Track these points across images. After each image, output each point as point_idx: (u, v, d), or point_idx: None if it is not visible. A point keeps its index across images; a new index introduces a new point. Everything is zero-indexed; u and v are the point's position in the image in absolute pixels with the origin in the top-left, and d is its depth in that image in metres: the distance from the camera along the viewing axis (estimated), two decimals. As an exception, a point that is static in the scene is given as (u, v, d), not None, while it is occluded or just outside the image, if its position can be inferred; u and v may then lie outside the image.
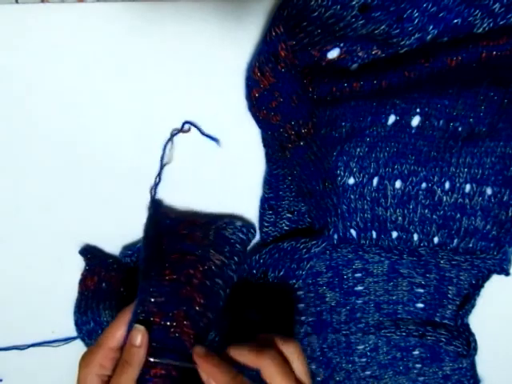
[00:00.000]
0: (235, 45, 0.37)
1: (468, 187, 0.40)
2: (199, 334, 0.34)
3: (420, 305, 0.44)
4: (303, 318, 0.45)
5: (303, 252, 0.39)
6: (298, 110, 0.36)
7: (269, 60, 0.34)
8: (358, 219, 0.40)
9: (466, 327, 0.44)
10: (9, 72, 0.36)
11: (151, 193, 0.40)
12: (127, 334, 0.31)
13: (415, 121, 0.39)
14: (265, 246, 0.41)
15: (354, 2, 0.32)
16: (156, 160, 0.40)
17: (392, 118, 0.39)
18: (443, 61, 0.35)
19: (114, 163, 0.40)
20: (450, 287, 0.43)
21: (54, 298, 0.43)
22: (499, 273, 0.41)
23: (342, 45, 0.36)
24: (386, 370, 0.47)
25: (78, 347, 0.41)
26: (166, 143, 0.39)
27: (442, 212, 0.40)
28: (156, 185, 0.40)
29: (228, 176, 0.41)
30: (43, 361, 0.44)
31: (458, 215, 0.40)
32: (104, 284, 0.39)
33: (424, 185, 0.40)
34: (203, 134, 0.39)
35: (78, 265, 0.41)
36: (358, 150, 0.39)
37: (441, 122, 0.39)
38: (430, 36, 0.36)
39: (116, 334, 0.32)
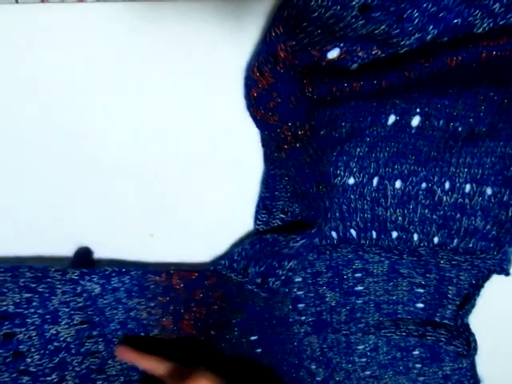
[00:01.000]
0: (235, 45, 0.37)
1: (468, 187, 0.41)
2: None
3: (420, 305, 0.45)
4: (303, 318, 0.45)
5: (282, 245, 0.39)
6: (295, 112, 0.36)
7: (268, 60, 0.34)
8: (358, 219, 0.41)
9: (466, 327, 0.45)
10: (9, 72, 0.37)
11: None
12: None
13: (415, 121, 0.39)
14: (248, 239, 0.41)
15: (354, 3, 0.32)
16: (155, 160, 0.40)
17: (392, 118, 0.39)
18: (443, 61, 0.35)
19: (113, 163, 0.40)
20: (450, 287, 0.43)
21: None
22: (499, 273, 0.41)
23: (341, 45, 0.36)
24: (386, 370, 0.47)
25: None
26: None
27: (442, 212, 0.41)
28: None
29: (228, 176, 0.41)
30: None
31: (458, 215, 0.41)
32: None
33: (424, 185, 0.40)
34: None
35: (78, 265, 0.42)
36: (358, 149, 0.39)
37: (441, 122, 0.39)
38: (430, 36, 0.36)
39: None
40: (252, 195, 0.42)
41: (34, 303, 0.40)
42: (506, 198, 0.41)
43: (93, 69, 0.37)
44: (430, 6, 0.35)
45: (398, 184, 0.40)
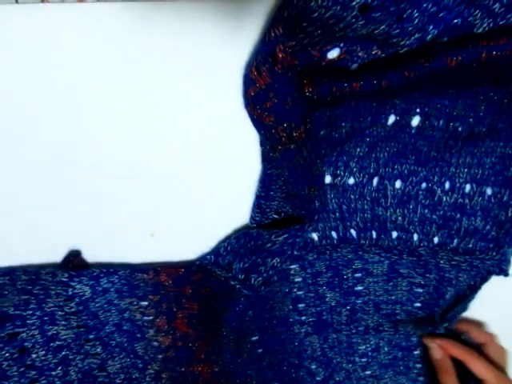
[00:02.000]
0: (235, 45, 0.37)
1: (468, 187, 0.41)
2: None
3: (418, 304, 0.45)
4: (303, 318, 0.45)
5: (265, 240, 0.39)
6: (291, 113, 0.36)
7: (266, 60, 0.35)
8: (358, 219, 0.41)
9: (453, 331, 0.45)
10: (9, 72, 0.37)
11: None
12: None
13: (415, 121, 0.40)
14: (235, 232, 0.42)
15: (354, 3, 0.32)
16: (155, 159, 0.40)
17: (392, 118, 0.39)
18: (443, 61, 0.36)
19: (112, 162, 0.40)
20: (448, 288, 0.44)
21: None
22: (498, 274, 0.42)
23: (341, 45, 0.37)
24: (387, 369, 0.47)
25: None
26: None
27: (441, 212, 0.41)
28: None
29: (228, 176, 0.41)
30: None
31: (458, 215, 0.41)
32: None
33: (424, 185, 0.41)
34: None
35: (78, 265, 0.42)
36: (358, 149, 0.40)
37: (441, 121, 0.40)
38: (430, 36, 0.36)
39: None
40: (252, 195, 0.42)
41: (32, 305, 0.41)
42: (505, 198, 0.41)
43: (93, 68, 0.37)
44: (429, 5, 0.35)
45: (397, 184, 0.40)
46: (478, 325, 0.46)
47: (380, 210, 0.41)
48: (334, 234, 0.42)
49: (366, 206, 0.41)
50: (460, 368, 0.43)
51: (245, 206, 0.42)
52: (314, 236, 0.43)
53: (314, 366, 0.46)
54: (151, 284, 0.42)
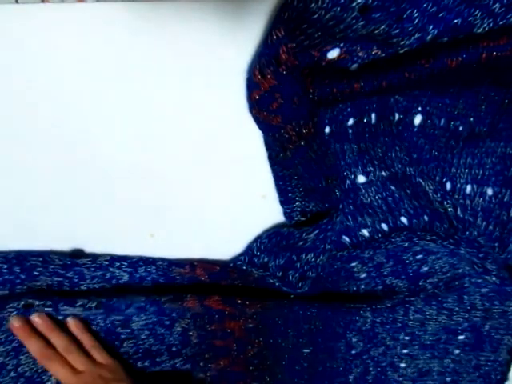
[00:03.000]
0: (235, 45, 0.37)
1: (469, 188, 0.41)
2: None
3: (487, 276, 0.43)
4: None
5: (297, 238, 0.40)
6: (298, 111, 0.37)
7: (270, 63, 0.35)
8: (407, 206, 0.42)
9: None
10: (9, 72, 0.37)
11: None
12: None
13: (417, 119, 0.40)
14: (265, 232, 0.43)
15: (354, 4, 0.33)
16: (156, 160, 0.41)
17: (396, 116, 0.40)
18: (443, 61, 0.36)
19: (113, 162, 0.41)
20: None
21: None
22: None
23: (341, 45, 0.37)
24: (425, 351, 0.47)
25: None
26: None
27: None
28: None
29: (228, 176, 0.42)
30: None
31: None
32: None
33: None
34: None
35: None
36: (363, 146, 0.40)
37: (442, 120, 0.40)
38: (430, 36, 0.37)
39: None
40: (252, 195, 0.43)
41: (65, 287, 0.42)
42: (506, 198, 0.42)
43: (93, 68, 0.38)
44: (429, 5, 0.35)
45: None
46: None
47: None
48: (384, 226, 0.43)
49: (409, 192, 0.41)
50: None
51: (245, 205, 0.43)
52: (365, 232, 0.43)
53: (355, 339, 0.46)
54: (187, 278, 0.43)
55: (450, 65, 0.36)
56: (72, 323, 0.40)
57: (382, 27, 0.35)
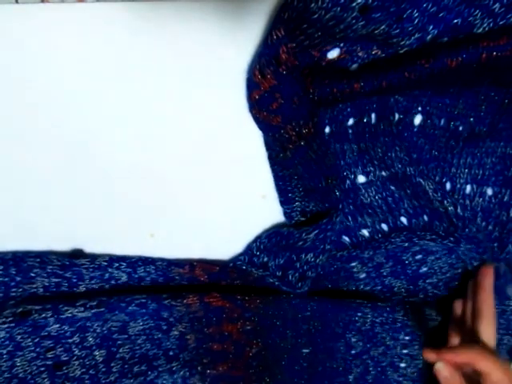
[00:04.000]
0: (235, 45, 0.38)
1: (468, 188, 0.42)
2: None
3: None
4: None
5: (296, 238, 0.40)
6: (298, 111, 0.37)
7: (270, 63, 0.35)
8: (406, 206, 0.42)
9: None
10: (9, 72, 0.37)
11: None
12: None
13: (417, 119, 0.40)
14: (265, 231, 0.43)
15: (354, 4, 0.33)
16: (156, 160, 0.41)
17: (396, 116, 0.40)
18: (443, 62, 0.36)
19: (112, 162, 0.41)
20: None
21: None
22: None
23: (341, 45, 0.38)
24: None
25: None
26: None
27: None
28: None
29: (228, 176, 0.42)
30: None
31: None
32: None
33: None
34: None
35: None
36: (363, 146, 0.41)
37: (442, 120, 0.41)
38: (430, 36, 0.37)
39: None
40: (252, 195, 0.43)
41: (63, 288, 0.42)
42: (506, 198, 0.42)
43: (93, 68, 0.38)
44: (429, 6, 0.36)
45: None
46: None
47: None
48: (384, 226, 0.43)
49: (409, 192, 0.41)
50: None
51: (245, 205, 0.43)
52: (365, 232, 0.44)
53: (354, 339, 0.46)
54: (186, 278, 0.43)
55: (450, 65, 0.36)
56: None
57: (382, 27, 0.36)
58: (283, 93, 0.37)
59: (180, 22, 0.37)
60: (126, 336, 0.43)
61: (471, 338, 0.39)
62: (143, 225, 0.43)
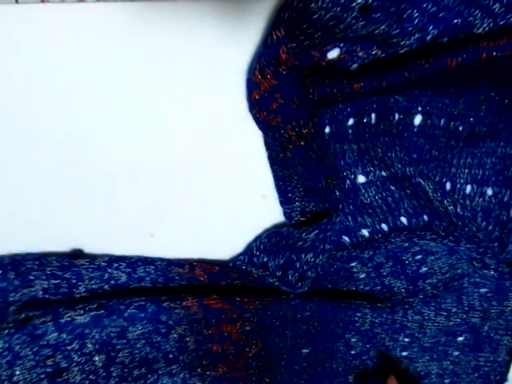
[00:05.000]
0: (235, 45, 0.38)
1: (468, 188, 0.42)
2: None
3: (491, 272, 0.43)
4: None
5: (296, 238, 0.40)
6: (298, 111, 0.37)
7: (270, 63, 0.35)
8: (406, 206, 0.42)
9: None
10: (9, 72, 0.37)
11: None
12: None
13: (417, 119, 0.41)
14: (265, 231, 0.43)
15: (354, 4, 0.33)
16: (155, 159, 0.41)
17: (396, 116, 0.40)
18: (443, 62, 0.37)
19: (112, 162, 0.41)
20: None
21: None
22: None
23: (341, 45, 0.38)
24: (424, 353, 0.47)
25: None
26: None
27: None
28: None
29: (228, 176, 0.42)
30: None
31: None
32: None
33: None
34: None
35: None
36: (363, 146, 0.41)
37: (442, 120, 0.41)
38: (430, 36, 0.37)
39: None
40: (252, 195, 0.43)
41: (62, 289, 0.42)
42: (506, 198, 0.42)
43: (92, 68, 0.38)
44: (429, 6, 0.36)
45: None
46: None
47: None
48: (384, 226, 0.43)
49: (409, 192, 0.42)
50: None
51: (244, 205, 0.43)
52: (365, 232, 0.44)
53: (354, 339, 0.46)
54: (186, 278, 0.43)
55: (450, 65, 0.37)
56: None
57: (382, 27, 0.36)
58: (283, 93, 0.37)
59: (180, 22, 0.37)
60: (125, 341, 0.43)
61: None
62: (143, 225, 0.43)
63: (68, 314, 0.41)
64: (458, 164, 0.42)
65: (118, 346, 0.43)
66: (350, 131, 0.41)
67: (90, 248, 0.43)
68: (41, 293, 0.42)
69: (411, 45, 0.37)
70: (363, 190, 0.42)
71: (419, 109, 0.40)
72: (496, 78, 0.39)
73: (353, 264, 0.44)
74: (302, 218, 0.43)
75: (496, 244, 0.43)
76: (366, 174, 0.42)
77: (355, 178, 0.42)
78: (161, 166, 0.41)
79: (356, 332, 0.45)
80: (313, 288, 0.44)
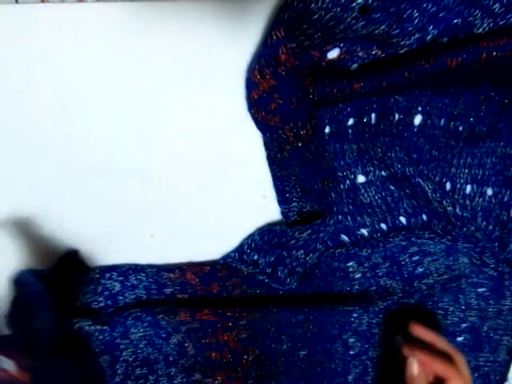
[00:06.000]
0: (235, 45, 0.38)
1: (468, 188, 0.42)
2: None
3: (490, 271, 0.44)
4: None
5: (289, 236, 0.41)
6: (297, 112, 0.37)
7: (269, 63, 0.36)
8: (405, 205, 0.43)
9: None
10: (9, 72, 0.38)
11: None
12: None
13: (417, 119, 0.41)
14: (258, 229, 0.43)
15: (354, 4, 0.33)
16: (155, 160, 0.41)
17: (396, 116, 0.40)
18: (443, 62, 0.37)
19: (112, 163, 0.41)
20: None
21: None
22: None
23: (341, 45, 0.38)
24: None
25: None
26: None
27: None
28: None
29: (227, 176, 0.42)
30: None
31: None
32: None
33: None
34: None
35: (77, 265, 0.43)
36: (363, 146, 0.41)
37: (442, 120, 0.41)
38: (430, 36, 0.37)
39: None
40: (252, 195, 0.43)
41: None
42: (506, 198, 0.42)
43: (92, 68, 0.38)
44: (429, 6, 0.36)
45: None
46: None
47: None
48: (383, 225, 0.44)
49: (408, 192, 0.42)
50: None
51: (245, 205, 0.43)
52: (364, 232, 0.44)
53: (352, 340, 0.46)
54: (178, 283, 0.44)
55: (450, 65, 0.37)
56: None
57: (382, 27, 0.36)
58: (282, 93, 0.37)
59: (180, 22, 0.37)
60: (128, 341, 0.44)
61: None
62: (143, 225, 0.43)
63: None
64: (458, 164, 0.42)
65: (122, 346, 0.44)
66: (350, 131, 0.41)
67: (91, 248, 0.44)
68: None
69: (411, 45, 0.37)
70: (363, 190, 0.42)
71: (419, 109, 0.41)
72: (496, 77, 0.39)
73: (349, 263, 0.44)
74: (299, 218, 0.43)
75: (496, 244, 0.43)
76: (366, 174, 0.42)
77: (355, 177, 0.42)
78: (161, 165, 0.41)
79: (353, 332, 0.46)
80: (306, 289, 0.44)
